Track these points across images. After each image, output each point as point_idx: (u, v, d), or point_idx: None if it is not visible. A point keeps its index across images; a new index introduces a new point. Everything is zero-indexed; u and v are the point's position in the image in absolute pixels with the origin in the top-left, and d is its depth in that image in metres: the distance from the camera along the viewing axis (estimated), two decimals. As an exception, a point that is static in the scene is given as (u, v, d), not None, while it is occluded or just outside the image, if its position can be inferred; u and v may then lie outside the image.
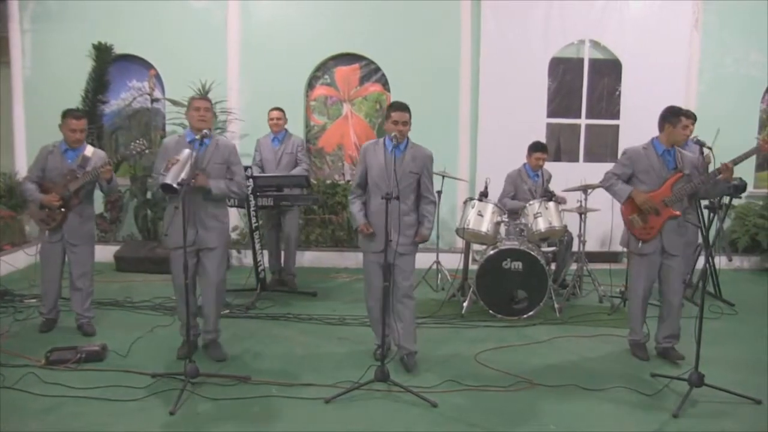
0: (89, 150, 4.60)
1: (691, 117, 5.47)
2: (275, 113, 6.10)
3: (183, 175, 3.76)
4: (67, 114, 4.52)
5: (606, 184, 4.42)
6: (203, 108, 4.06)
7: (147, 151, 4.72)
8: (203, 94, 7.10)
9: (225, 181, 4.13)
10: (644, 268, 4.30)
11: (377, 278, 4.05)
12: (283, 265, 6.23)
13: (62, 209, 4.50)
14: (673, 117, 4.20)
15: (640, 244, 4.28)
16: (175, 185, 3.73)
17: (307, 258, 7.18)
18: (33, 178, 4.56)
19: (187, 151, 3.87)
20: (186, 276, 3.79)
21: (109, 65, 7.41)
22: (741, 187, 4.61)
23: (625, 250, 4.57)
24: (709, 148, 4.05)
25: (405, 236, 4.06)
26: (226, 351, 4.29)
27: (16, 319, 4.93)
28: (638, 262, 4.34)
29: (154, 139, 7.52)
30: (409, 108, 4.08)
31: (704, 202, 4.27)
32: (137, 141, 4.61)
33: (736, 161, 4.09)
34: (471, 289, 5.40)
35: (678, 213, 4.17)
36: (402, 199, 4.01)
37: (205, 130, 3.95)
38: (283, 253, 6.23)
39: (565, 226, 5.56)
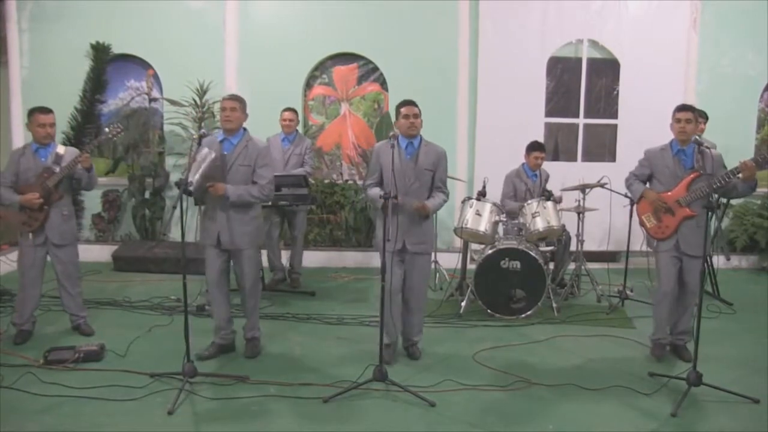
0: (61, 148, 4.50)
1: (700, 115, 5.46)
2: (287, 114, 6.09)
3: (192, 177, 3.75)
4: (33, 111, 4.41)
5: (626, 185, 4.52)
6: (229, 108, 4.06)
7: (122, 134, 4.69)
8: (201, 94, 7.11)
9: (245, 186, 4.07)
10: (666, 267, 4.28)
11: (395, 278, 4.07)
12: (289, 264, 6.25)
13: (44, 207, 4.38)
14: (672, 114, 4.23)
15: (655, 243, 4.31)
16: (190, 188, 3.71)
17: (305, 258, 7.16)
18: (7, 183, 4.40)
19: (205, 150, 3.86)
20: (184, 276, 3.77)
21: (106, 65, 7.39)
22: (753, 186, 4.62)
23: (624, 247, 4.58)
24: (708, 148, 4.05)
25: (422, 236, 4.11)
26: (259, 349, 4.37)
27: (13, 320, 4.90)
28: (660, 261, 4.33)
29: (152, 139, 7.54)
30: (417, 104, 4.14)
31: (701, 202, 4.26)
32: (112, 125, 4.57)
33: (757, 161, 3.98)
34: (469, 288, 5.40)
35: (694, 213, 4.14)
36: (419, 197, 4.08)
37: (203, 131, 4.00)
38: (289, 252, 6.25)
39: (563, 226, 5.56)
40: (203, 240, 4.18)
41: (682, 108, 4.21)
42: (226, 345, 4.32)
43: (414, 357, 4.28)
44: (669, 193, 4.22)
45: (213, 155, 3.88)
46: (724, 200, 5.79)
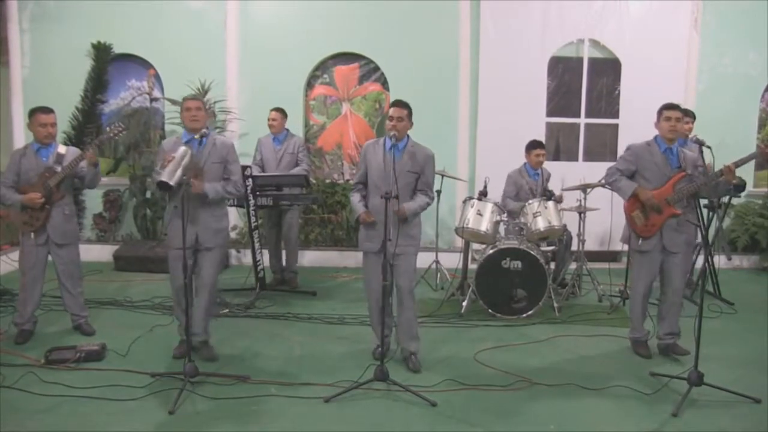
0: (62, 148, 4.50)
1: (687, 114, 5.46)
2: (273, 114, 6.08)
3: (178, 174, 3.72)
4: (34, 111, 4.41)
5: (609, 180, 4.39)
6: (194, 108, 4.06)
7: (124, 133, 4.69)
8: (203, 94, 7.11)
9: (221, 182, 4.11)
10: (645, 266, 4.31)
11: (377, 278, 4.00)
12: (285, 264, 6.24)
13: (45, 206, 4.38)
14: (659, 112, 4.22)
15: (639, 241, 4.29)
16: (171, 184, 3.68)
17: (306, 257, 7.18)
18: (8, 183, 4.40)
19: (182, 148, 3.84)
20: (185, 276, 3.78)
21: (108, 65, 7.41)
22: (740, 186, 4.64)
23: (625, 247, 4.57)
24: (708, 147, 4.05)
25: (406, 236, 4.06)
26: (216, 352, 4.25)
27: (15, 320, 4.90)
28: (639, 259, 4.36)
29: (153, 139, 7.54)
30: (408, 105, 4.07)
31: (703, 201, 4.27)
32: (114, 124, 4.56)
33: (738, 164, 4.06)
34: (470, 288, 5.40)
35: (679, 212, 4.17)
36: (401, 198, 4.00)
37: (204, 130, 3.95)
38: (284, 252, 6.24)
39: (565, 226, 5.57)
40: (173, 242, 4.00)
41: (671, 106, 4.19)
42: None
43: (414, 369, 4.05)
44: (657, 191, 4.21)
45: (190, 152, 3.84)
46: (725, 200, 5.78)
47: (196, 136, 3.91)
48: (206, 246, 4.11)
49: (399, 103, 4.05)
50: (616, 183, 4.34)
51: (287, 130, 6.17)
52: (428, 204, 4.17)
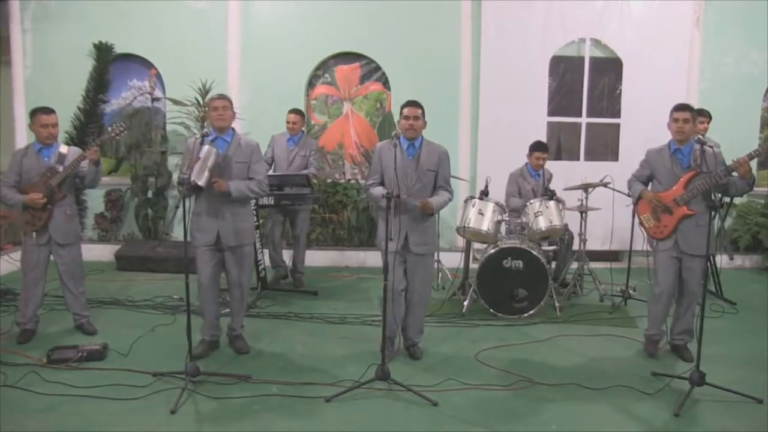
0: (64, 148, 4.50)
1: (701, 114, 5.47)
2: (292, 116, 6.08)
3: (206, 175, 3.82)
4: (35, 111, 4.41)
5: (627, 186, 4.56)
6: (221, 107, 4.09)
7: (125, 133, 4.70)
8: (203, 94, 7.12)
9: (245, 181, 4.14)
10: (664, 266, 4.28)
11: (396, 277, 4.07)
12: (292, 263, 6.26)
13: (47, 206, 4.38)
14: (670, 113, 4.22)
15: (655, 242, 4.32)
16: (201, 184, 3.79)
17: (307, 257, 7.16)
18: (10, 183, 4.40)
19: (206, 147, 3.90)
20: (187, 276, 3.78)
21: (109, 64, 7.41)
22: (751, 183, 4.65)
23: (626, 246, 4.59)
24: (710, 147, 4.04)
25: (426, 237, 4.13)
26: (248, 343, 4.42)
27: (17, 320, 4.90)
28: (658, 260, 4.35)
29: (154, 139, 7.55)
30: (421, 104, 4.12)
31: (701, 200, 4.25)
32: (115, 124, 4.57)
33: (753, 156, 4.00)
34: (471, 287, 5.40)
35: (691, 212, 4.13)
36: (419, 197, 4.07)
37: (205, 130, 4.02)
38: (292, 251, 6.26)
39: (566, 225, 5.56)
40: (197, 241, 4.14)
41: (680, 107, 4.19)
42: (215, 342, 4.38)
43: (415, 357, 4.29)
44: (666, 192, 4.21)
45: (215, 151, 3.94)
46: (726, 199, 5.76)
47: (197, 136, 3.94)
48: (229, 245, 4.16)
49: (413, 103, 4.11)
50: (630, 188, 4.50)
51: (303, 131, 6.19)
52: (449, 199, 4.23)
